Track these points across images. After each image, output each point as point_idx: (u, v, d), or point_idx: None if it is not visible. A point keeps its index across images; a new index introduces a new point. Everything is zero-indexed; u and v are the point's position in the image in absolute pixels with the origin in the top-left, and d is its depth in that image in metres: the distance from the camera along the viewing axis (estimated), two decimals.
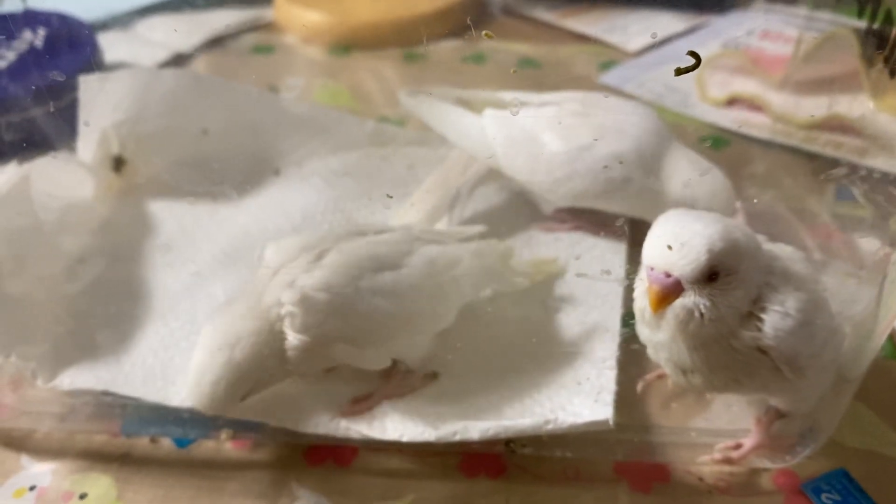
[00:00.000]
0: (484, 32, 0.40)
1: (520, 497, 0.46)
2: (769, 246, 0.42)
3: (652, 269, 0.39)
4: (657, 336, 0.41)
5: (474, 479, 0.47)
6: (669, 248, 0.37)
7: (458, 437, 0.46)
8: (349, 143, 0.71)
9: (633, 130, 0.61)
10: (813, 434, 0.47)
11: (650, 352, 0.43)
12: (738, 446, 0.47)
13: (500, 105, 0.66)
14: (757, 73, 0.79)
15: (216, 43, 0.94)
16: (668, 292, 0.38)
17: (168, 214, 0.66)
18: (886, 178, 0.51)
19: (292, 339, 0.45)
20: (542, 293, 0.57)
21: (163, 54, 0.90)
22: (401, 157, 0.70)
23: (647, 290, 0.39)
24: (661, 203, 0.57)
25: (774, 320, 0.39)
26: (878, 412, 0.50)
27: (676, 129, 0.77)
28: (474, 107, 0.66)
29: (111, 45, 0.82)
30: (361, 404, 0.49)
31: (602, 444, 0.48)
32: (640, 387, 0.49)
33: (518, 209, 0.66)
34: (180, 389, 0.50)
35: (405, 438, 0.47)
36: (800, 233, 0.60)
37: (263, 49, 0.95)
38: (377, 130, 0.72)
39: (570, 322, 0.55)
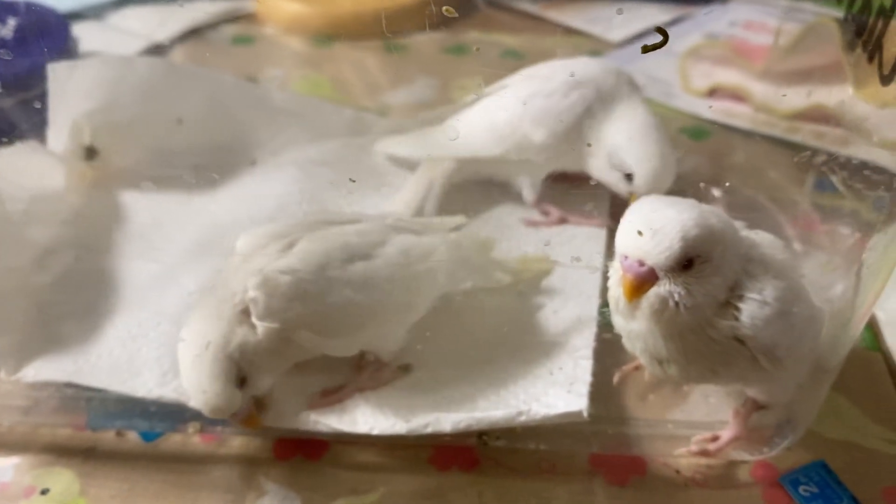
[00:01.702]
0: (444, 8, 0.38)
1: (493, 490, 0.45)
2: (747, 233, 0.41)
3: (626, 257, 0.38)
4: (632, 325, 0.40)
5: (447, 472, 0.46)
6: (640, 233, 0.36)
7: (429, 430, 0.45)
8: (327, 132, 0.70)
9: (587, 67, 0.61)
10: (791, 426, 0.46)
11: (625, 342, 0.42)
12: (715, 438, 0.46)
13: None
14: (740, 64, 0.78)
15: (195, 34, 0.93)
16: (643, 281, 0.37)
17: (141, 205, 0.64)
18: (865, 167, 0.50)
19: (258, 327, 0.44)
20: (521, 284, 0.56)
21: (139, 45, 0.89)
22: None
23: (621, 280, 0.38)
24: (596, 148, 0.57)
25: (752, 309, 0.38)
26: (858, 403, 0.50)
27: (658, 119, 0.77)
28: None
29: (86, 36, 0.81)
30: (332, 397, 0.48)
31: (577, 437, 0.47)
32: (616, 378, 0.49)
33: (499, 203, 0.65)
34: (147, 381, 0.49)
35: (375, 431, 0.46)
36: (780, 222, 0.59)
37: (243, 40, 0.94)
38: (356, 119, 0.71)
39: (546, 312, 0.54)
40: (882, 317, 0.55)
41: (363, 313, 0.47)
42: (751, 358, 0.39)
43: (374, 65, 0.88)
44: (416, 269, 0.49)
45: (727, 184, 0.64)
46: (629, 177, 0.57)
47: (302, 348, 0.46)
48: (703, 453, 0.46)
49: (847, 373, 0.48)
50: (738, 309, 0.38)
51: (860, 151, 0.54)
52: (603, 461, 0.47)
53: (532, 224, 0.62)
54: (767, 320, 0.38)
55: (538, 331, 0.53)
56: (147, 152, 0.67)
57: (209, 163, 0.67)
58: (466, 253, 0.52)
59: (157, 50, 0.88)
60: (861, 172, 0.50)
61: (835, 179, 0.51)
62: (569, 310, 0.54)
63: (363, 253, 0.47)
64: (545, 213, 0.63)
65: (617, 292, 0.39)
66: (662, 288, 0.37)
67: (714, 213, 0.38)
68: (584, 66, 0.61)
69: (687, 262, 0.37)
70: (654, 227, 0.37)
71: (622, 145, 0.57)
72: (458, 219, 0.54)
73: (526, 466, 0.46)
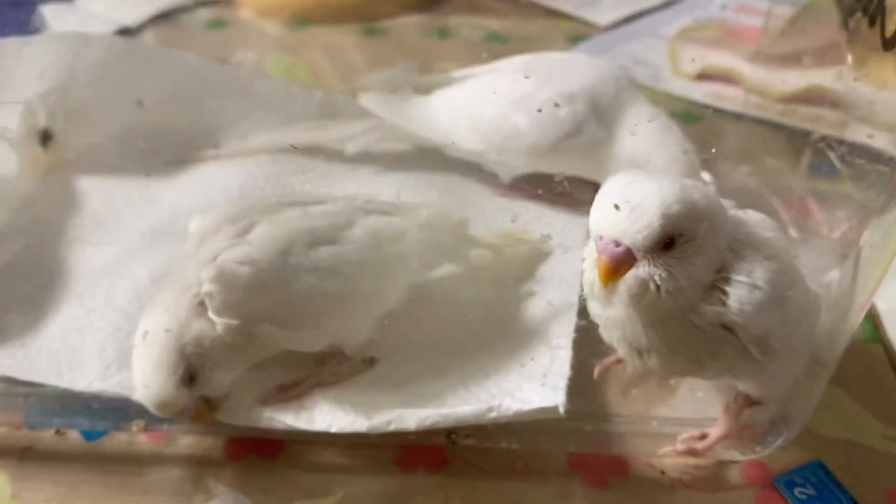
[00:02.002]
0: None
1: (462, 493, 0.42)
2: (735, 212, 0.38)
3: (600, 237, 0.34)
4: (608, 312, 0.36)
5: (412, 473, 0.43)
6: (617, 207, 0.33)
7: (392, 427, 0.41)
8: (296, 115, 0.66)
9: (583, 75, 0.56)
10: (786, 423, 0.42)
11: (602, 331, 0.39)
12: (703, 436, 0.42)
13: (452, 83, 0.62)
14: (731, 46, 0.75)
15: (167, 17, 0.89)
16: (619, 263, 0.34)
17: (97, 191, 0.61)
18: (862, 149, 0.47)
19: (217, 322, 0.41)
20: (496, 272, 0.53)
21: (107, 28, 0.85)
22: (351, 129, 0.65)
23: (596, 262, 0.34)
24: (616, 162, 0.52)
25: (740, 293, 0.34)
26: (858, 399, 0.46)
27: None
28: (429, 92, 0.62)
29: (55, 19, 0.77)
30: (289, 392, 0.44)
31: (554, 435, 0.43)
32: (597, 371, 0.45)
33: (473, 184, 0.61)
34: (88, 374, 0.45)
35: (334, 429, 0.42)
36: (774, 208, 0.56)
37: (218, 24, 0.90)
38: (326, 102, 0.67)
39: (524, 302, 0.50)
40: (883, 307, 0.52)
41: (331, 303, 0.43)
42: (740, 348, 0.36)
43: (352, 49, 0.85)
44: (386, 253, 0.45)
45: (720, 169, 0.61)
46: None
47: (265, 344, 0.43)
48: (691, 452, 0.42)
49: (846, 366, 0.44)
50: (724, 293, 0.34)
51: (857, 134, 0.52)
52: (582, 461, 0.43)
53: (504, 196, 0.59)
54: (758, 305, 0.34)
55: (514, 321, 0.49)
56: (105, 136, 0.64)
57: (170, 147, 0.64)
58: (440, 234, 0.48)
59: (125, 34, 0.85)
60: (858, 155, 0.46)
61: (832, 156, 0.47)
62: (548, 298, 0.50)
63: (329, 237, 0.43)
64: (517, 189, 0.59)
65: (592, 276, 0.36)
66: (641, 270, 0.34)
67: (697, 188, 0.34)
68: (580, 74, 0.56)
69: (668, 242, 0.33)
70: (632, 202, 0.33)
71: (642, 153, 0.53)
72: (430, 199, 0.50)
73: (498, 467, 0.43)
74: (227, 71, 0.69)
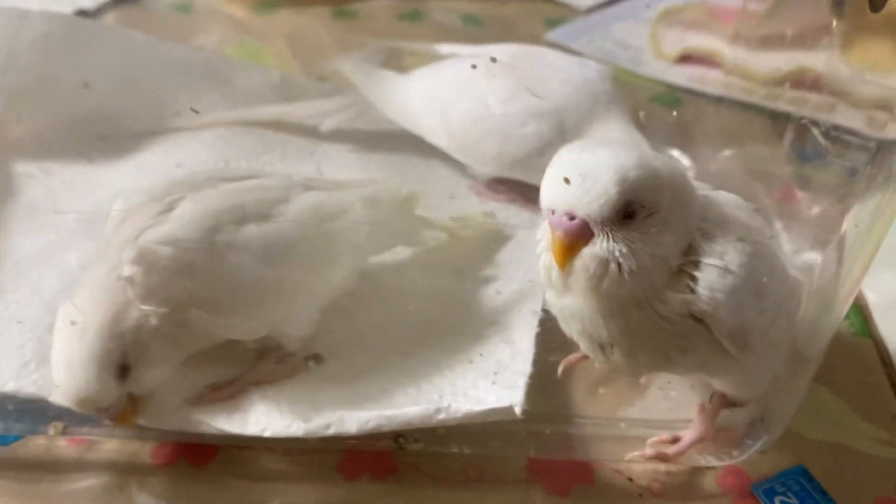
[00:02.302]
0: None
1: (410, 502, 0.38)
2: (707, 192, 0.34)
3: (552, 211, 0.30)
4: (566, 301, 0.33)
5: (356, 481, 0.39)
6: (566, 180, 0.29)
7: (331, 431, 0.38)
8: (253, 96, 0.63)
9: (560, 88, 0.53)
10: (765, 425, 0.39)
11: (561, 323, 0.35)
12: (675, 440, 0.38)
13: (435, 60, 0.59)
14: (714, 28, 0.71)
15: (129, 0, 0.86)
16: (574, 238, 0.30)
17: (35, 177, 0.57)
18: (849, 133, 0.44)
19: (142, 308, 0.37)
20: (457, 261, 0.49)
21: (65, 10, 0.81)
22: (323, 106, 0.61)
23: (550, 240, 0.31)
24: None
25: (710, 278, 0.31)
26: (845, 397, 0.43)
27: (627, 88, 0.70)
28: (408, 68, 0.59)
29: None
30: (221, 391, 0.40)
31: (511, 439, 0.39)
32: (561, 368, 0.41)
33: (452, 176, 0.57)
34: (3, 372, 0.41)
35: (268, 433, 0.38)
36: (756, 193, 0.52)
37: (183, 8, 0.86)
38: (285, 82, 0.63)
39: (486, 293, 0.47)
40: (873, 298, 0.48)
41: (265, 286, 0.39)
42: (712, 341, 0.32)
43: (321, 32, 0.81)
44: (328, 230, 0.41)
45: (701, 154, 0.58)
46: None
47: (198, 334, 0.39)
48: (660, 458, 0.38)
49: (832, 362, 0.41)
50: (693, 278, 0.31)
51: (843, 117, 0.48)
52: (542, 467, 0.39)
53: (479, 194, 0.55)
54: (730, 292, 0.31)
55: (475, 314, 0.45)
56: (47, 119, 0.59)
57: (118, 130, 0.60)
58: (388, 210, 0.44)
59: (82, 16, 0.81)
60: (842, 138, 0.43)
61: (816, 139, 0.44)
62: (511, 290, 0.46)
63: (261, 212, 0.40)
64: (494, 190, 0.56)
65: (546, 259, 0.32)
66: (599, 247, 0.30)
67: (659, 157, 0.31)
68: (558, 86, 0.53)
69: (628, 213, 0.30)
70: (585, 170, 0.29)
71: None
72: (380, 179, 0.47)
73: (450, 474, 0.39)
74: (179, 51, 0.65)
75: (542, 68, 0.56)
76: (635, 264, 0.30)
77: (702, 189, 0.34)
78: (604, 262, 0.30)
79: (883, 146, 0.35)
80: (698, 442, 0.38)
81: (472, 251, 0.49)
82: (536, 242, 0.33)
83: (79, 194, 0.56)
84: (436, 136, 0.56)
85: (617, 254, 0.30)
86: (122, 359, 0.36)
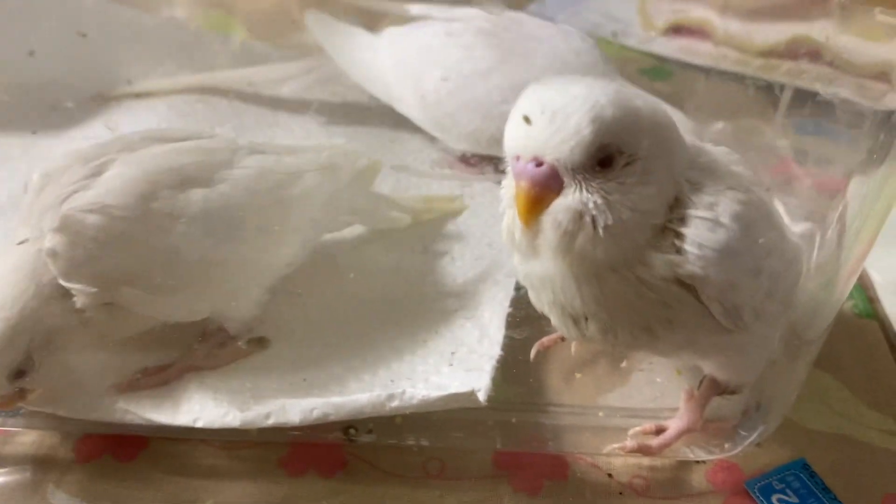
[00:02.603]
0: None
1: (361, 500, 0.34)
2: (695, 142, 0.30)
3: (517, 158, 0.26)
4: (534, 267, 0.28)
5: (300, 476, 0.35)
6: (526, 119, 0.25)
7: (272, 421, 0.33)
8: (212, 65, 0.58)
9: (545, 59, 0.49)
10: (761, 413, 0.35)
11: (530, 294, 0.31)
12: (660, 430, 0.34)
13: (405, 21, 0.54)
14: None
15: None
16: (542, 188, 0.26)
17: None
18: (847, 104, 0.40)
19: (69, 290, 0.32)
20: (424, 237, 0.45)
21: None
22: (271, 79, 0.57)
23: (515, 193, 0.26)
24: None
25: (699, 233, 0.26)
26: (849, 384, 0.39)
27: (615, 62, 0.66)
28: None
29: None
30: (152, 377, 0.36)
31: (476, 429, 0.35)
32: (534, 351, 0.37)
33: (425, 149, 0.53)
34: None
35: (201, 423, 0.34)
36: (752, 166, 0.48)
37: None
38: (245, 50, 0.59)
39: (453, 272, 0.43)
40: (877, 278, 0.45)
41: (208, 260, 0.35)
42: (701, 312, 0.28)
43: (294, 4, 0.77)
44: (278, 198, 0.37)
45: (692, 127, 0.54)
46: None
47: (131, 318, 0.35)
48: (643, 451, 0.34)
49: (835, 345, 0.39)
50: (679, 236, 0.27)
51: (843, 89, 0.45)
52: (511, 461, 0.35)
53: (451, 166, 0.51)
54: (723, 249, 0.26)
55: (440, 292, 0.41)
56: None
57: (66, 100, 0.55)
58: (344, 178, 0.40)
59: None
60: (841, 109, 0.40)
61: (813, 110, 0.40)
62: (481, 269, 0.42)
63: (202, 177, 0.35)
64: (467, 163, 0.52)
65: (510, 217, 0.28)
66: (571, 198, 0.26)
67: (641, 96, 0.26)
68: (543, 59, 0.49)
69: (604, 159, 0.25)
70: (554, 107, 0.25)
71: None
72: (336, 144, 0.42)
73: (407, 469, 0.35)
74: (133, 16, 0.60)
75: (526, 38, 0.52)
76: (612, 219, 0.26)
77: (689, 139, 0.30)
78: (577, 217, 0.26)
79: (882, 117, 0.32)
80: (686, 433, 0.34)
81: (440, 225, 0.45)
82: (500, 200, 0.29)
83: (17, 168, 0.51)
84: (406, 105, 0.52)
85: (591, 206, 0.26)
86: (23, 363, 0.32)
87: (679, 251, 0.27)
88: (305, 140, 0.54)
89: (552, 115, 0.25)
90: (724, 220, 0.26)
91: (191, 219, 0.34)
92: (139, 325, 0.36)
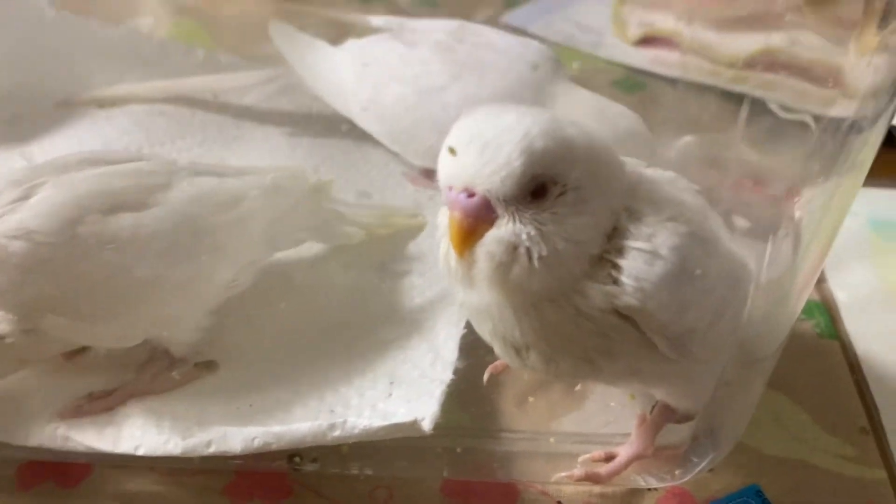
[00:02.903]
0: None
1: None
2: (639, 168, 0.29)
3: (450, 188, 0.26)
4: (471, 297, 0.28)
5: None
6: (453, 151, 0.24)
7: (213, 450, 0.33)
8: (174, 75, 0.57)
9: (500, 73, 0.48)
10: (713, 438, 0.34)
11: (473, 323, 0.30)
12: (610, 457, 0.33)
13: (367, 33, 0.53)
14: (678, 7, 0.66)
15: None
16: (474, 219, 0.25)
17: None
18: (809, 114, 0.40)
19: None
20: (383, 254, 0.44)
21: None
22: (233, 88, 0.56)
23: (448, 223, 0.26)
24: None
25: (637, 265, 0.26)
26: (807, 407, 0.38)
27: (587, 72, 0.66)
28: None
29: None
30: (96, 402, 0.35)
31: (422, 457, 0.34)
32: (486, 375, 0.36)
33: (379, 161, 0.53)
34: None
35: (142, 451, 0.33)
36: (714, 181, 0.48)
37: None
38: (210, 61, 0.58)
39: (411, 292, 0.42)
40: (841, 296, 0.44)
41: (135, 285, 0.34)
42: (642, 342, 0.27)
43: (263, 13, 0.77)
44: (215, 223, 0.36)
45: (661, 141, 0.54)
46: None
47: (54, 344, 0.34)
48: (592, 478, 0.33)
49: (792, 366, 0.38)
50: (616, 266, 0.26)
51: (796, 97, 0.45)
52: (459, 489, 0.34)
53: (414, 181, 0.50)
54: (660, 281, 0.26)
55: (396, 315, 0.40)
56: None
57: (22, 113, 0.54)
58: (293, 201, 0.39)
59: None
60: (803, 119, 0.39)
61: (773, 114, 0.39)
62: (438, 289, 0.41)
63: (134, 201, 0.34)
64: (430, 178, 0.51)
65: (445, 246, 0.27)
66: (504, 230, 0.25)
67: (576, 125, 0.26)
68: (498, 73, 0.48)
69: (537, 190, 0.25)
70: (486, 138, 0.25)
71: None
72: (287, 166, 0.42)
73: (354, 498, 0.34)
74: (94, 27, 0.59)
75: (482, 51, 0.51)
76: (546, 250, 0.25)
77: (632, 165, 0.29)
78: (510, 248, 0.25)
79: (830, 125, 0.31)
80: (636, 459, 0.33)
81: (399, 243, 0.44)
82: (436, 228, 0.28)
83: None
84: (366, 120, 0.51)
85: (525, 237, 0.25)
86: None
87: (616, 282, 0.26)
88: (270, 152, 0.53)
89: (483, 146, 0.25)
90: (663, 251, 0.26)
91: (120, 244, 0.33)
92: (62, 348, 0.35)
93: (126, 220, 0.34)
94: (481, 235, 0.25)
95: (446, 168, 0.26)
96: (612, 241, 0.26)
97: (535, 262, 0.25)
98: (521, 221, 0.25)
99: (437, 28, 0.53)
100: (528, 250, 0.25)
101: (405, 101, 0.48)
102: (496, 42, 0.52)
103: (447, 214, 0.27)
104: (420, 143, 0.48)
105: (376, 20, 0.56)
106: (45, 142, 0.53)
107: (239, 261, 0.37)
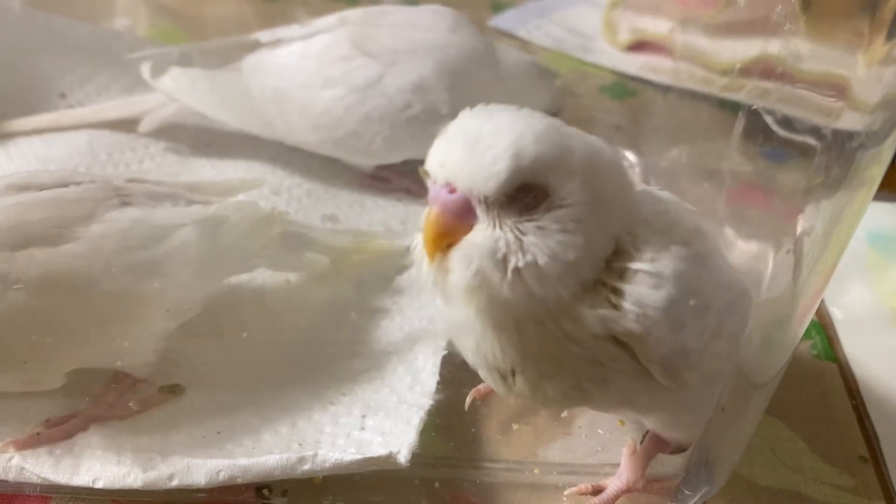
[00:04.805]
0: None
1: None
2: (645, 189, 0.27)
3: (434, 181, 0.24)
4: (452, 311, 0.26)
5: None
6: (453, 144, 0.23)
7: (175, 483, 0.31)
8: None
9: (437, 47, 0.47)
10: (707, 470, 0.33)
11: (455, 343, 0.28)
12: (597, 490, 0.32)
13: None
14: (671, 11, 0.65)
15: None
16: (452, 216, 0.24)
17: None
18: (811, 125, 0.38)
19: None
20: (361, 272, 0.42)
21: None
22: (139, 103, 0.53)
23: (425, 218, 0.24)
24: None
25: (640, 290, 0.24)
26: (804, 435, 0.37)
27: (576, 76, 0.64)
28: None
29: None
30: (53, 431, 0.33)
31: (399, 489, 0.32)
32: (469, 400, 0.34)
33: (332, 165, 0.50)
34: None
35: (100, 484, 0.31)
36: (708, 192, 0.46)
37: None
38: (184, 60, 0.56)
39: (390, 312, 0.40)
40: (839, 315, 0.42)
41: (45, 328, 0.31)
42: (637, 371, 0.25)
43: (248, 15, 0.75)
44: (139, 259, 0.33)
45: (652, 148, 0.52)
46: None
47: None
48: None
49: (789, 391, 0.37)
50: (617, 292, 0.24)
51: (801, 109, 0.43)
52: None
53: (369, 187, 0.49)
54: (665, 309, 0.24)
55: (373, 338, 0.39)
56: None
57: None
58: (238, 233, 0.36)
59: None
60: (803, 131, 0.37)
61: (771, 124, 0.38)
62: (420, 311, 0.40)
63: (48, 234, 0.32)
64: (383, 180, 0.49)
65: (419, 247, 0.25)
66: (482, 234, 0.24)
67: (577, 135, 0.24)
68: (431, 49, 0.47)
69: (525, 199, 0.23)
70: (478, 134, 0.23)
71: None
72: (251, 181, 0.40)
73: None
74: (64, 24, 0.57)
75: (405, 31, 0.49)
76: (523, 261, 0.23)
77: (638, 186, 0.27)
78: (485, 255, 0.23)
79: (837, 138, 0.30)
80: (625, 493, 0.32)
81: (376, 265, 0.42)
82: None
83: None
84: (296, 135, 0.48)
85: (502, 244, 0.23)
86: None
87: (616, 307, 0.24)
88: (244, 166, 0.51)
89: (474, 142, 0.23)
90: (667, 275, 0.24)
91: (27, 283, 0.31)
92: None
93: (36, 256, 0.31)
94: (456, 240, 0.24)
95: (432, 158, 0.24)
96: (613, 265, 0.25)
97: (510, 274, 0.23)
98: (502, 227, 0.23)
99: (337, 22, 0.50)
100: (505, 258, 0.23)
101: (341, 103, 0.46)
102: (413, 17, 0.50)
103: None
104: (370, 141, 0.46)
105: (263, 36, 0.52)
106: (13, 142, 0.51)
107: (179, 290, 0.34)
